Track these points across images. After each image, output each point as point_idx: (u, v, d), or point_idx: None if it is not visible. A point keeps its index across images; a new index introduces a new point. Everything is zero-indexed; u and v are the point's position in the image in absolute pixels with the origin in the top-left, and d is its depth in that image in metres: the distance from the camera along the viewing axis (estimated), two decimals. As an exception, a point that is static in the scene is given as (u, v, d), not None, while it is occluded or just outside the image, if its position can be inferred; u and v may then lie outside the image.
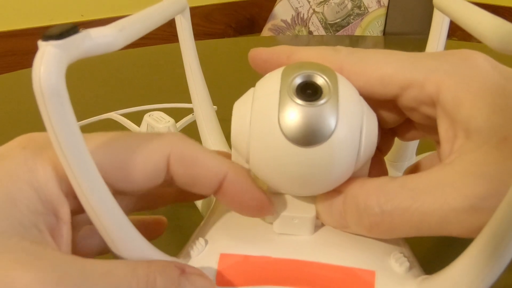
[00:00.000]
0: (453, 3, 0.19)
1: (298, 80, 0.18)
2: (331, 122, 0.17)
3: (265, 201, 0.19)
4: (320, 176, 0.18)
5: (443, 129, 0.19)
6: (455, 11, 0.19)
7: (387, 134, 0.24)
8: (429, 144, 0.32)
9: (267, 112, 0.17)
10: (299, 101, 0.17)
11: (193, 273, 0.18)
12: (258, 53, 0.22)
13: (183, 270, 0.17)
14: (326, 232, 0.20)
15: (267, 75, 0.19)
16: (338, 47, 0.21)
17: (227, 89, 0.53)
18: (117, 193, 0.17)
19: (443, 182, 0.17)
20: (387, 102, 0.21)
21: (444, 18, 0.25)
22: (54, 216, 0.17)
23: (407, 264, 0.18)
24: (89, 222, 0.16)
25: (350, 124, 0.17)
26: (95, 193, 0.15)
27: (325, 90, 0.17)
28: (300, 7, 1.54)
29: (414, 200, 0.17)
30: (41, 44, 0.13)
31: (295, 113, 0.17)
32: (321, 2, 1.52)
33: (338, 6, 1.52)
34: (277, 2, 1.57)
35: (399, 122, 0.22)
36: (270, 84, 0.18)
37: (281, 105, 0.17)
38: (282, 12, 1.55)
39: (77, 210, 0.17)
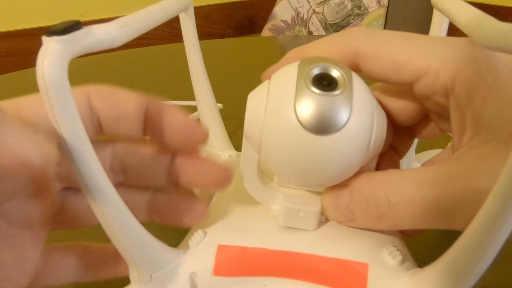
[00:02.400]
0: (448, 2, 0.20)
1: (315, 71, 0.18)
2: (345, 112, 0.17)
3: (193, 124, 0.19)
4: (330, 165, 0.18)
5: (455, 121, 0.19)
6: (450, 10, 0.19)
7: (405, 135, 0.24)
8: (429, 143, 0.32)
9: (284, 99, 0.18)
10: (316, 90, 0.18)
11: None
12: (271, 72, 0.21)
13: None
14: (326, 227, 0.20)
15: (283, 68, 0.20)
16: (349, 30, 0.21)
17: (227, 89, 0.54)
18: None
19: (448, 175, 0.17)
20: (405, 96, 0.21)
21: (443, 18, 0.26)
22: None
23: (400, 257, 0.19)
24: None
25: (363, 117, 0.18)
26: (97, 182, 0.15)
27: (340, 82, 0.18)
28: (300, 7, 1.54)
29: (418, 191, 0.17)
30: (45, 39, 0.13)
31: (311, 101, 0.17)
32: (321, 2, 1.53)
33: (338, 6, 1.52)
34: (277, 2, 1.58)
35: (417, 119, 0.22)
36: (286, 75, 0.19)
37: (297, 93, 0.18)
38: (282, 12, 1.56)
39: None
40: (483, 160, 0.17)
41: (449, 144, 0.23)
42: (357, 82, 0.19)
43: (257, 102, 0.19)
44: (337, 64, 0.19)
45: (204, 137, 0.20)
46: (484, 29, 0.13)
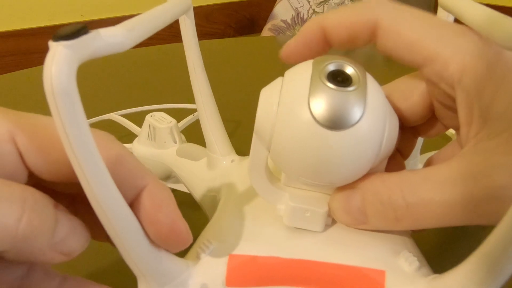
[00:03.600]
0: (459, 2, 0.19)
1: (330, 67, 0.18)
2: (359, 108, 0.17)
3: (180, 224, 0.18)
4: (342, 162, 0.18)
5: (463, 113, 0.19)
6: (461, 11, 0.19)
7: (409, 135, 0.24)
8: (432, 144, 0.32)
9: (298, 94, 0.18)
10: (330, 85, 0.18)
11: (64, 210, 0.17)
12: (290, 47, 0.21)
13: (56, 204, 0.17)
14: (335, 231, 0.20)
15: (297, 65, 0.20)
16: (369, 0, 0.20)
17: (227, 89, 0.53)
18: (41, 180, 0.18)
19: (464, 173, 0.17)
20: (413, 96, 0.21)
21: (447, 17, 0.25)
22: None
23: (416, 263, 0.18)
24: None
25: (376, 115, 0.18)
26: (106, 193, 0.15)
27: (354, 79, 0.18)
28: (300, 7, 1.54)
29: (437, 192, 0.17)
30: (52, 44, 0.13)
31: (325, 96, 0.17)
32: (321, 2, 1.52)
33: (338, 6, 1.52)
34: (277, 2, 1.57)
35: (426, 118, 0.22)
36: (301, 71, 0.19)
37: (312, 87, 0.18)
38: (282, 12, 1.55)
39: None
40: (498, 154, 0.17)
41: (453, 139, 0.23)
42: (371, 81, 0.19)
43: (269, 97, 0.19)
44: (351, 62, 0.19)
45: (185, 245, 0.18)
46: (504, 30, 0.13)
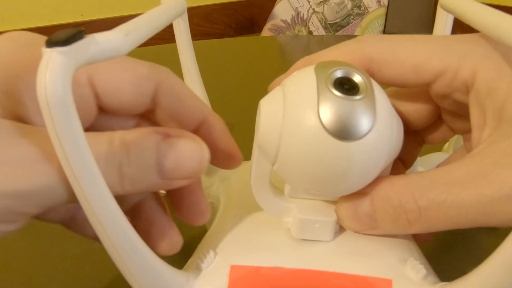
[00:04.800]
0: (463, 3, 0.19)
1: (336, 74, 0.18)
2: (370, 118, 0.17)
3: (236, 149, 0.21)
4: (353, 173, 0.17)
5: (475, 117, 0.19)
6: (466, 12, 0.19)
7: (413, 143, 0.23)
8: (429, 147, 0.32)
9: (306, 105, 0.17)
10: (339, 94, 0.17)
11: (179, 136, 0.18)
12: (279, 82, 0.21)
13: (167, 135, 0.17)
14: (340, 238, 0.20)
15: (296, 72, 0.19)
16: (360, 37, 0.20)
17: (226, 90, 0.53)
18: (103, 113, 0.19)
19: (475, 173, 0.17)
20: (418, 98, 0.21)
21: (447, 17, 0.25)
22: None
23: (423, 271, 0.18)
24: None
25: (385, 123, 0.17)
26: (102, 206, 0.14)
27: (362, 87, 0.17)
28: (300, 7, 1.54)
29: (449, 193, 0.17)
30: (46, 51, 0.12)
31: (336, 106, 0.17)
32: (321, 2, 1.52)
33: (338, 6, 1.52)
34: (277, 2, 1.57)
35: (431, 121, 0.22)
36: (304, 79, 0.18)
37: (320, 97, 0.17)
38: (282, 12, 1.55)
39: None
40: (509, 155, 0.17)
41: (461, 145, 0.23)
42: (377, 87, 0.18)
43: (273, 107, 0.18)
44: (355, 67, 0.18)
45: (238, 164, 0.21)
46: None
